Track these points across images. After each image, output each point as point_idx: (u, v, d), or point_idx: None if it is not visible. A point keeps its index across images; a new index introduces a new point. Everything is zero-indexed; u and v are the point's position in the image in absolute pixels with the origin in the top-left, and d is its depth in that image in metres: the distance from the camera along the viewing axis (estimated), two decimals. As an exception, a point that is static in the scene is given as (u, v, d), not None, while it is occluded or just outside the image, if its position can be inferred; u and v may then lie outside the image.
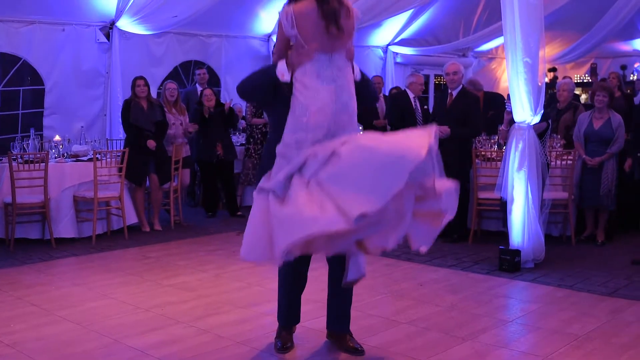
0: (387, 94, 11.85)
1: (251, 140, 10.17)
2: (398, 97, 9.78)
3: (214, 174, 9.83)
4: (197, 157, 9.87)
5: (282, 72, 4.24)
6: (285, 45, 4.32)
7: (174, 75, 11.42)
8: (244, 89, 4.48)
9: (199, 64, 11.67)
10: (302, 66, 4.19)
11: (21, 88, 10.24)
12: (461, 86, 8.20)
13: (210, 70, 11.69)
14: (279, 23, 4.26)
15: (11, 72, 9.95)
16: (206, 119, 9.45)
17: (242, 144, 10.40)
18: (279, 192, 4.02)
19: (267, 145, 4.60)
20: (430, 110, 9.34)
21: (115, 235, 8.55)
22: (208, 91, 9.66)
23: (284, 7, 4.19)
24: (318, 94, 4.14)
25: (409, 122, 9.16)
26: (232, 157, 9.88)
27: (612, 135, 7.89)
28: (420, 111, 9.33)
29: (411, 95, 9.39)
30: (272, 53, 4.51)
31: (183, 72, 11.87)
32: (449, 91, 8.22)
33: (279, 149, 4.20)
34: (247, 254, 4.14)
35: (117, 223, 8.69)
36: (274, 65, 4.30)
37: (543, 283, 6.40)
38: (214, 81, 11.75)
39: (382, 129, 9.89)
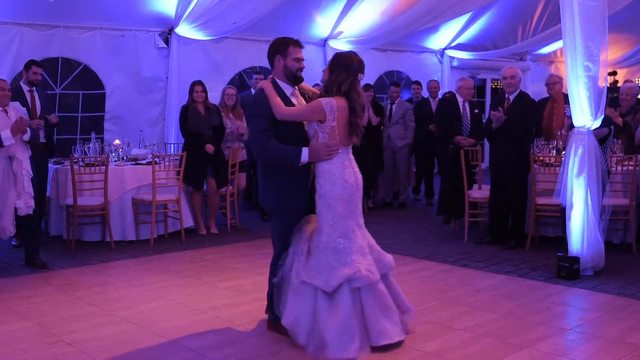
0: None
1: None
2: (446, 101, 9.73)
3: None
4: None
5: (305, 159, 4.67)
6: (306, 120, 4.78)
7: (236, 80, 11.52)
8: (265, 159, 4.78)
9: (262, 70, 11.76)
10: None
11: (81, 92, 10.49)
12: (519, 90, 8.10)
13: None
14: (315, 108, 4.64)
15: (72, 76, 10.20)
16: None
17: None
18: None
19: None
20: (487, 115, 9.25)
21: (173, 237, 8.67)
22: None
23: (325, 98, 4.63)
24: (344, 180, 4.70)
25: (457, 127, 9.15)
26: None
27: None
28: (469, 116, 9.24)
29: (460, 100, 9.31)
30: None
31: (247, 78, 11.97)
32: (507, 95, 8.13)
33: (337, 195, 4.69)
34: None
35: (174, 226, 8.81)
36: (299, 152, 4.65)
37: (602, 291, 6.26)
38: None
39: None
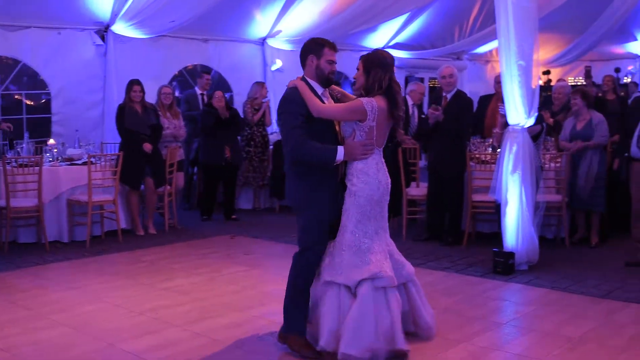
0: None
1: (252, 143, 10.25)
2: None
3: (217, 177, 9.82)
4: (204, 159, 9.83)
5: (340, 158, 4.58)
6: (344, 119, 4.70)
7: (176, 79, 11.41)
8: (299, 157, 4.62)
9: (205, 69, 11.68)
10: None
11: (23, 92, 10.25)
12: (455, 89, 8.22)
13: (217, 75, 11.73)
14: (357, 107, 4.58)
15: (11, 75, 9.96)
16: (220, 122, 9.44)
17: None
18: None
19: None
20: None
21: (109, 238, 8.53)
22: (219, 93, 9.64)
23: (366, 98, 4.58)
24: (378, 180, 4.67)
25: (404, 128, 9.23)
26: (238, 161, 9.90)
27: (593, 133, 7.94)
28: (417, 119, 9.33)
29: (410, 102, 9.40)
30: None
31: (189, 76, 11.87)
32: (444, 94, 8.24)
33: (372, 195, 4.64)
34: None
35: (110, 226, 8.67)
36: (335, 151, 4.56)
37: (537, 285, 6.41)
38: (221, 86, 11.74)
39: None
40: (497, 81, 9.20)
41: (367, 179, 4.63)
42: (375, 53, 4.80)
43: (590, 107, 8.08)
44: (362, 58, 4.78)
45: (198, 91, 10.59)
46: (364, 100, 4.58)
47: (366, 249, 4.61)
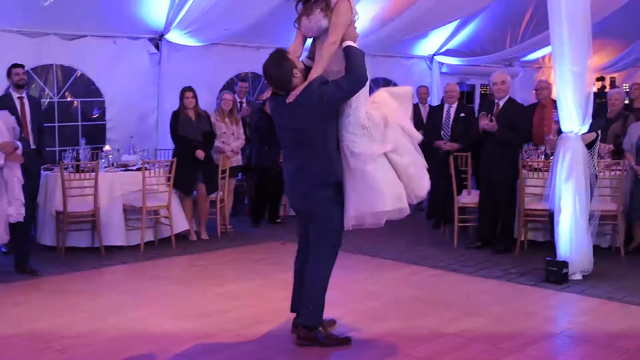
0: (431, 104, 11.84)
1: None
2: (434, 108, 9.92)
3: (270, 182, 9.89)
4: (259, 164, 9.91)
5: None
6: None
7: (230, 86, 11.52)
8: (364, 73, 4.71)
9: (255, 76, 11.77)
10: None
11: (79, 99, 10.48)
12: (508, 96, 8.15)
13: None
14: (347, 8, 4.77)
15: (68, 83, 10.18)
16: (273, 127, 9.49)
17: None
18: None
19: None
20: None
21: (163, 243, 8.66)
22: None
23: None
24: None
25: (437, 131, 9.33)
26: None
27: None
28: (451, 120, 9.26)
29: (445, 105, 9.38)
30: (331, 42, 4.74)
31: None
32: (496, 101, 8.18)
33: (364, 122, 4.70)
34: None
35: (165, 232, 8.80)
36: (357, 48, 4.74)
37: (591, 295, 6.30)
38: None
39: None
40: (536, 89, 9.11)
41: None
42: None
43: None
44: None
45: (237, 99, 10.70)
46: None
47: None
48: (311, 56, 4.94)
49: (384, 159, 4.73)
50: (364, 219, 4.80)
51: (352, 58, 4.66)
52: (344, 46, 4.71)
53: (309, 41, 5.06)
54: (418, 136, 4.99)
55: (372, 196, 4.68)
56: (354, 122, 4.68)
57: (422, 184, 4.90)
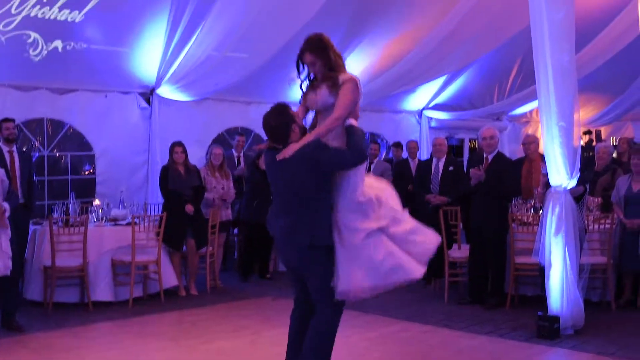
0: (421, 158, 11.92)
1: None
2: (423, 162, 10.04)
3: (259, 237, 9.81)
4: (248, 217, 9.82)
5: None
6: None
7: (221, 140, 11.57)
8: (365, 150, 4.78)
9: (245, 131, 11.83)
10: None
11: (69, 153, 10.49)
12: (497, 150, 8.22)
13: (258, 137, 11.86)
14: (354, 88, 4.68)
15: (58, 137, 10.21)
16: (267, 181, 9.49)
17: None
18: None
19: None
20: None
21: (152, 299, 8.58)
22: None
23: (354, 76, 4.71)
24: None
25: (427, 185, 9.35)
26: None
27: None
28: (440, 174, 9.30)
29: (434, 160, 9.44)
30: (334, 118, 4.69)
31: (230, 138, 12.02)
32: (485, 155, 8.24)
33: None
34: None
35: (153, 287, 8.72)
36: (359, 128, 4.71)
37: (583, 350, 6.27)
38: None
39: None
40: (523, 143, 9.19)
41: None
42: (314, 37, 4.77)
43: None
44: (308, 48, 4.74)
45: (235, 153, 10.74)
46: (351, 75, 4.67)
47: None
48: (312, 128, 4.94)
49: (380, 234, 4.67)
50: (356, 293, 4.67)
51: (353, 135, 4.64)
52: (346, 124, 4.68)
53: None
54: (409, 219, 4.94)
55: (362, 272, 4.60)
56: (350, 197, 4.63)
57: (427, 247, 4.85)
